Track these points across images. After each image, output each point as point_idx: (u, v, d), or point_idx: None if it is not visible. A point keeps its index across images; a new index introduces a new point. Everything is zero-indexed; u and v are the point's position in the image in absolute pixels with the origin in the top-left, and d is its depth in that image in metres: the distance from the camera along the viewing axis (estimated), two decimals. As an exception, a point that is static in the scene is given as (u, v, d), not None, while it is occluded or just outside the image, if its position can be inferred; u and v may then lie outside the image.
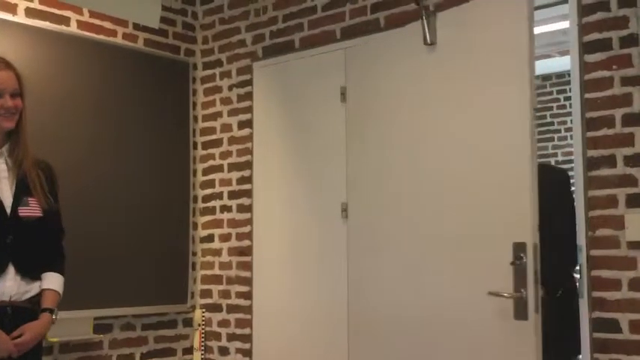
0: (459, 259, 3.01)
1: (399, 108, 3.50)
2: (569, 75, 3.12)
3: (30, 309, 2.61)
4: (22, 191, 2.62)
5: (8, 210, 2.57)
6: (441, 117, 3.24)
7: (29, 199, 2.63)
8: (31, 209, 2.62)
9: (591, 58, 2.99)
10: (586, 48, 3.00)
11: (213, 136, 4.42)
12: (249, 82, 4.24)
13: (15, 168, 2.63)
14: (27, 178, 2.64)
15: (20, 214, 2.59)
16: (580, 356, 3.03)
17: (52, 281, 2.69)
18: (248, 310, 4.13)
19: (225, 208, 4.32)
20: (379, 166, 3.57)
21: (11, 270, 2.56)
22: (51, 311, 2.64)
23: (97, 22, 4.05)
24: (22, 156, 2.64)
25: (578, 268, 3.02)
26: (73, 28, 3.94)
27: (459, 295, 3.06)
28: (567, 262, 3.42)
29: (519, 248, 2.76)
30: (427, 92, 3.29)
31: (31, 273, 2.62)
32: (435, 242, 3.23)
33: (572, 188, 3.24)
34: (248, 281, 4.15)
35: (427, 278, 3.33)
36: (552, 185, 3.37)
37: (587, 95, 2.98)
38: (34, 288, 2.64)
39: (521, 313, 2.74)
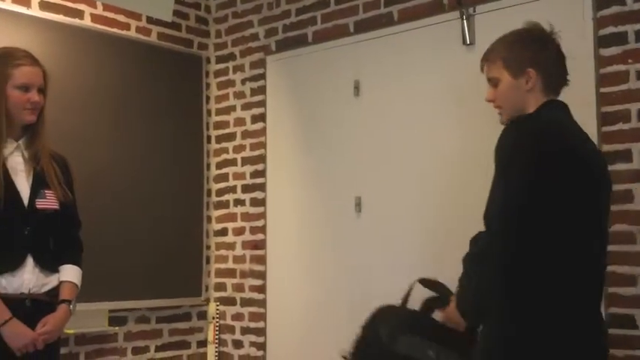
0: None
1: (414, 101, 3.50)
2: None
3: (48, 302, 2.62)
4: (38, 184, 2.63)
5: (26, 202, 2.58)
6: (461, 112, 3.25)
7: (46, 191, 2.64)
8: (48, 201, 2.64)
9: (607, 52, 2.97)
10: (601, 42, 2.98)
11: (227, 130, 4.43)
12: (263, 76, 4.24)
13: (31, 161, 2.65)
14: (43, 171, 2.65)
15: (37, 206, 2.60)
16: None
17: (70, 273, 2.70)
18: (262, 303, 4.14)
19: (239, 202, 4.33)
20: (393, 160, 3.57)
21: (30, 262, 2.57)
22: (69, 303, 2.66)
23: (111, 15, 4.06)
24: (39, 149, 2.66)
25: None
26: (86, 22, 3.95)
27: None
28: None
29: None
30: (455, 88, 3.31)
31: (49, 265, 2.63)
32: (453, 235, 3.23)
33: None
34: (262, 275, 4.16)
35: (443, 271, 3.32)
36: None
37: (602, 89, 2.97)
38: (52, 280, 2.65)
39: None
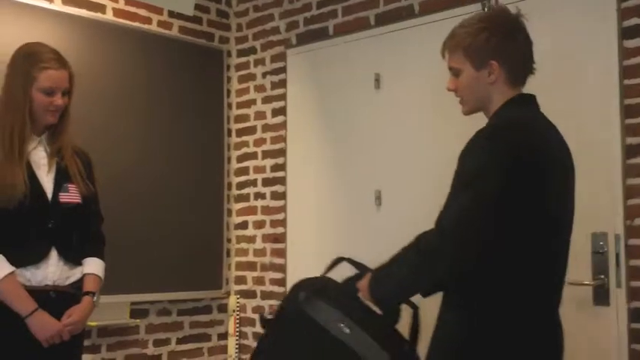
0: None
1: (434, 94, 3.48)
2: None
3: (73, 294, 2.64)
4: (61, 178, 2.65)
5: (49, 196, 2.61)
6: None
7: (69, 185, 2.66)
8: (71, 195, 2.66)
9: (630, 43, 2.93)
10: (625, 33, 2.95)
11: (247, 124, 4.43)
12: (283, 70, 4.24)
13: (54, 155, 2.67)
14: (66, 166, 2.67)
15: (60, 199, 2.62)
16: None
17: (94, 266, 2.72)
18: (282, 296, 4.14)
19: (259, 195, 4.34)
20: (413, 153, 3.56)
21: (54, 255, 2.59)
22: (92, 295, 2.68)
23: (132, 9, 4.08)
24: (62, 144, 2.68)
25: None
26: (108, 16, 3.98)
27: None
28: None
29: (600, 238, 2.90)
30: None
31: (73, 258, 2.66)
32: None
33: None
34: (282, 268, 4.17)
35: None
36: None
37: (626, 81, 2.93)
38: (76, 273, 2.67)
39: (601, 298, 2.88)
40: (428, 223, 3.47)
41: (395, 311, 2.11)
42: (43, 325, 2.52)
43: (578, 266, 2.94)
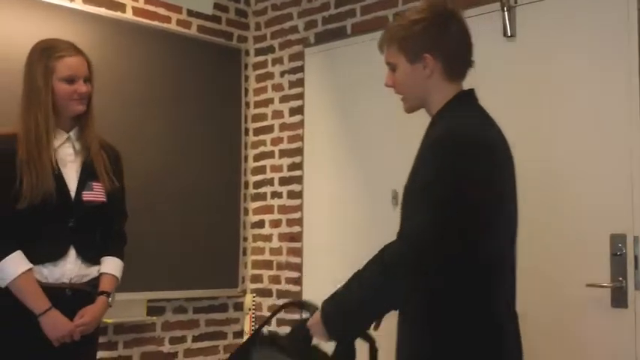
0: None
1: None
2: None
3: (89, 292, 2.64)
4: (86, 175, 2.64)
5: (73, 194, 2.60)
6: (499, 103, 3.20)
7: (94, 183, 2.65)
8: (95, 194, 2.65)
9: (651, 43, 2.91)
10: (646, 33, 2.92)
11: (265, 123, 4.44)
12: (301, 69, 4.24)
13: (82, 152, 2.66)
14: (92, 162, 2.66)
15: (84, 198, 2.61)
16: None
17: (111, 266, 2.72)
18: (298, 295, 4.15)
19: (276, 194, 4.34)
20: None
21: (72, 253, 2.58)
22: (107, 295, 2.67)
23: (152, 8, 4.10)
24: (90, 140, 2.66)
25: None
26: (128, 15, 4.00)
27: (555, 286, 3.03)
28: None
29: (619, 240, 2.89)
30: (496, 80, 3.27)
31: (91, 257, 2.65)
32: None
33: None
34: (298, 267, 4.16)
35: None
36: None
37: (646, 82, 2.91)
38: (93, 271, 2.66)
39: (619, 301, 2.86)
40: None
41: (350, 349, 2.00)
42: (55, 325, 2.52)
43: (597, 268, 2.92)
